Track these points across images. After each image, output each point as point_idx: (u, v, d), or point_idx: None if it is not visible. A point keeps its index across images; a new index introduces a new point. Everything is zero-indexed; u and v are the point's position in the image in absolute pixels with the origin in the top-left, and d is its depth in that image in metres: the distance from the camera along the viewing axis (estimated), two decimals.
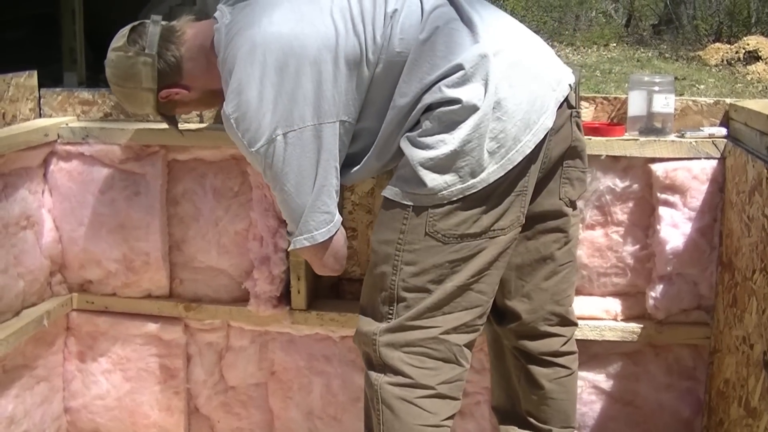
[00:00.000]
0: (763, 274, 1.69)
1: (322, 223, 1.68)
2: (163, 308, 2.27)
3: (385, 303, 1.67)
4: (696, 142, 2.01)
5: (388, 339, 1.65)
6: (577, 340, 1.93)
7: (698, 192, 2.00)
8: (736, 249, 1.89)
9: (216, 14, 1.75)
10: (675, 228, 2.02)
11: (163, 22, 1.81)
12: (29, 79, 2.26)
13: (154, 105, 1.83)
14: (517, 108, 1.61)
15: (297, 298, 2.15)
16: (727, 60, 10.65)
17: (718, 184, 2.00)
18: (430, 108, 1.61)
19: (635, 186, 2.06)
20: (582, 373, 2.10)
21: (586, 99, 2.13)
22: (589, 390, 2.17)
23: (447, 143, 1.58)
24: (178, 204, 2.22)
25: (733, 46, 10.94)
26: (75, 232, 2.22)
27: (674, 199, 2.01)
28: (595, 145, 2.00)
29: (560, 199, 1.79)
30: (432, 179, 1.59)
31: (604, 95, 2.15)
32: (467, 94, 1.58)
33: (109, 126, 2.20)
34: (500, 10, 1.78)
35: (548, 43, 1.80)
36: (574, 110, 1.75)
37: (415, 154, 1.60)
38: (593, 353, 2.15)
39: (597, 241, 2.10)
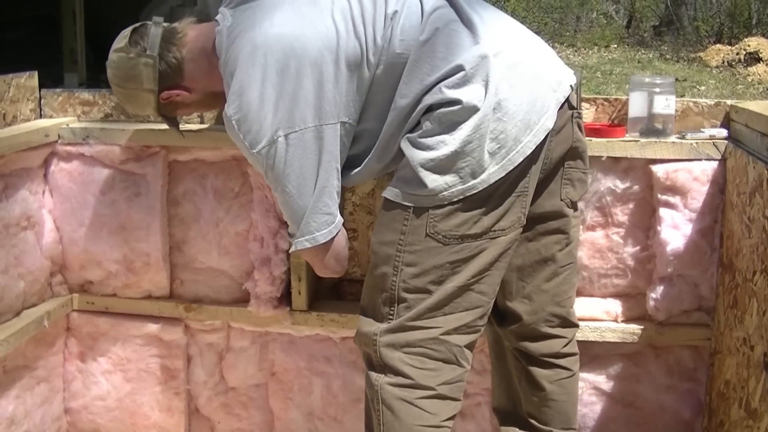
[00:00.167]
0: (764, 275, 1.69)
1: (324, 224, 1.68)
2: (163, 309, 2.27)
3: (385, 304, 1.67)
4: (697, 143, 2.01)
5: (389, 339, 1.65)
6: (577, 341, 1.93)
7: (699, 193, 2.00)
8: (737, 250, 1.89)
9: (218, 17, 1.75)
10: (676, 229, 2.02)
11: (165, 24, 1.81)
12: (30, 79, 2.26)
13: (155, 106, 1.83)
14: (517, 109, 1.61)
15: (297, 299, 2.15)
16: (727, 61, 10.65)
17: (719, 185, 2.00)
18: (430, 109, 1.61)
19: (636, 187, 2.06)
20: (582, 375, 2.10)
21: (587, 100, 2.13)
22: (590, 391, 2.17)
23: (447, 144, 1.58)
24: (179, 205, 2.22)
25: (733, 48, 10.94)
26: (75, 232, 2.22)
27: (675, 200, 2.01)
28: (595, 146, 2.00)
29: (561, 200, 1.79)
30: (432, 180, 1.59)
31: (604, 96, 2.15)
32: (468, 94, 1.58)
33: (109, 126, 2.20)
34: (501, 11, 1.78)
35: (549, 45, 1.80)
36: (575, 111, 1.75)
37: (416, 155, 1.60)
38: (594, 354, 2.15)
39: (597, 243, 2.10)
